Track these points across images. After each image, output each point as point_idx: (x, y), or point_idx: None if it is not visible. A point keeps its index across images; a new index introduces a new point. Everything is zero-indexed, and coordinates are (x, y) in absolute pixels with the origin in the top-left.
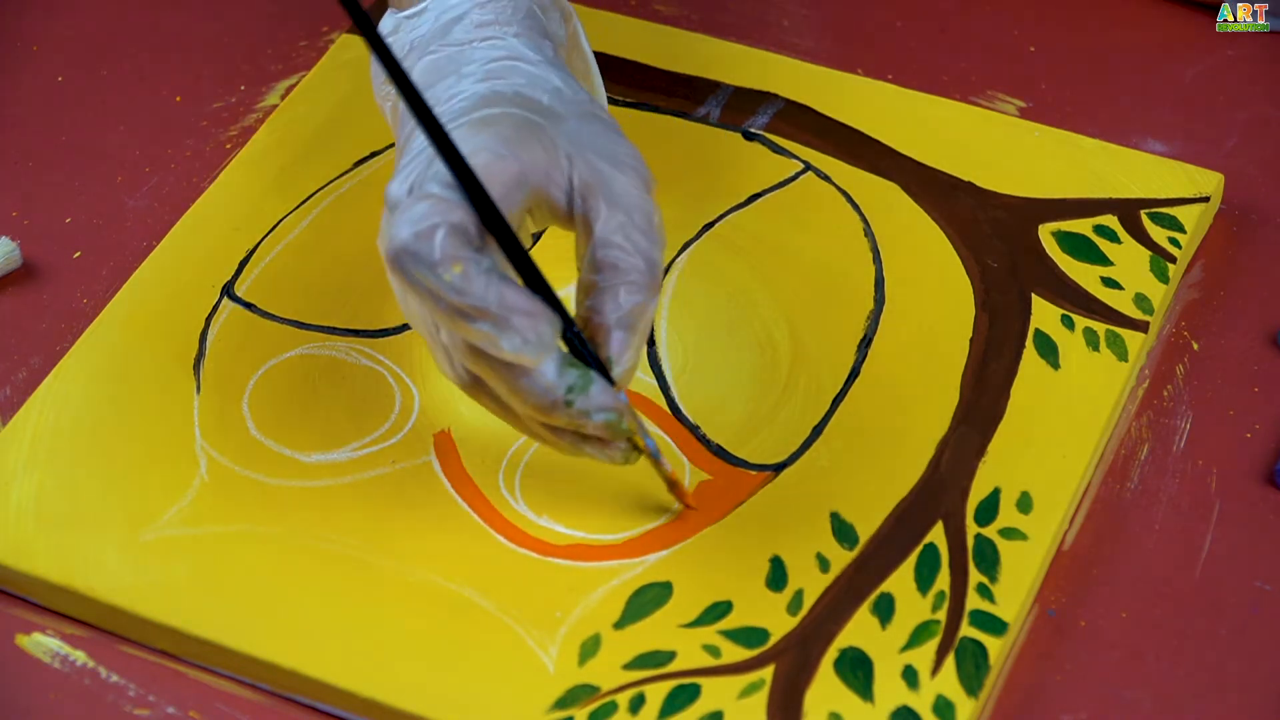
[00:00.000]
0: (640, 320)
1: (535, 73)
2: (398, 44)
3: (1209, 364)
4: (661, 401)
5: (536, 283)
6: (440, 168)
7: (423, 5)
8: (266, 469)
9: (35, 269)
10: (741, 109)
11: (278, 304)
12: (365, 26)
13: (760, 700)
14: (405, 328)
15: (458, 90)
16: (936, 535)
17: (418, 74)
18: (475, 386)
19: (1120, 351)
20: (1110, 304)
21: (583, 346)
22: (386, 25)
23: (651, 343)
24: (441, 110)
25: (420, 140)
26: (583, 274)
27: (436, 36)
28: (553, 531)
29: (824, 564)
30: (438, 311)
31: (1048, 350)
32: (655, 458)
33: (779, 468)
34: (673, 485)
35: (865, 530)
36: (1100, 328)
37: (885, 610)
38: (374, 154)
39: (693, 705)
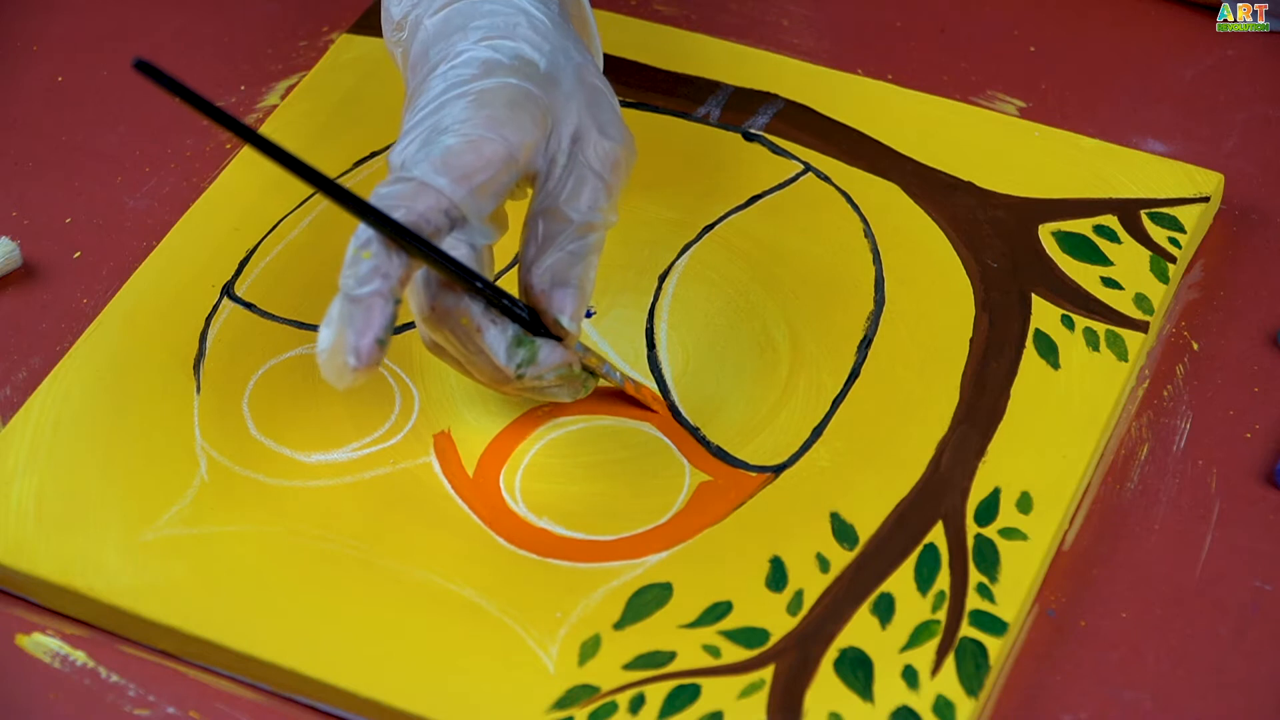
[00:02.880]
0: (587, 280)
1: (536, 33)
2: None
3: (1209, 364)
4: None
5: (494, 294)
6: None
7: None
8: (266, 469)
9: (35, 269)
10: (741, 109)
11: (278, 304)
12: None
13: (760, 700)
14: (404, 328)
15: (461, 49)
16: (936, 535)
17: (432, 25)
18: (437, 349)
19: (1120, 351)
20: (1110, 304)
21: (531, 320)
22: None
23: (651, 345)
24: (445, 71)
25: (423, 102)
26: (533, 217)
27: None
28: (552, 533)
29: (824, 564)
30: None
31: (1048, 350)
32: (618, 380)
33: (779, 469)
34: (638, 393)
35: (865, 530)
36: (1100, 328)
37: (885, 610)
38: (374, 154)
39: (693, 705)
